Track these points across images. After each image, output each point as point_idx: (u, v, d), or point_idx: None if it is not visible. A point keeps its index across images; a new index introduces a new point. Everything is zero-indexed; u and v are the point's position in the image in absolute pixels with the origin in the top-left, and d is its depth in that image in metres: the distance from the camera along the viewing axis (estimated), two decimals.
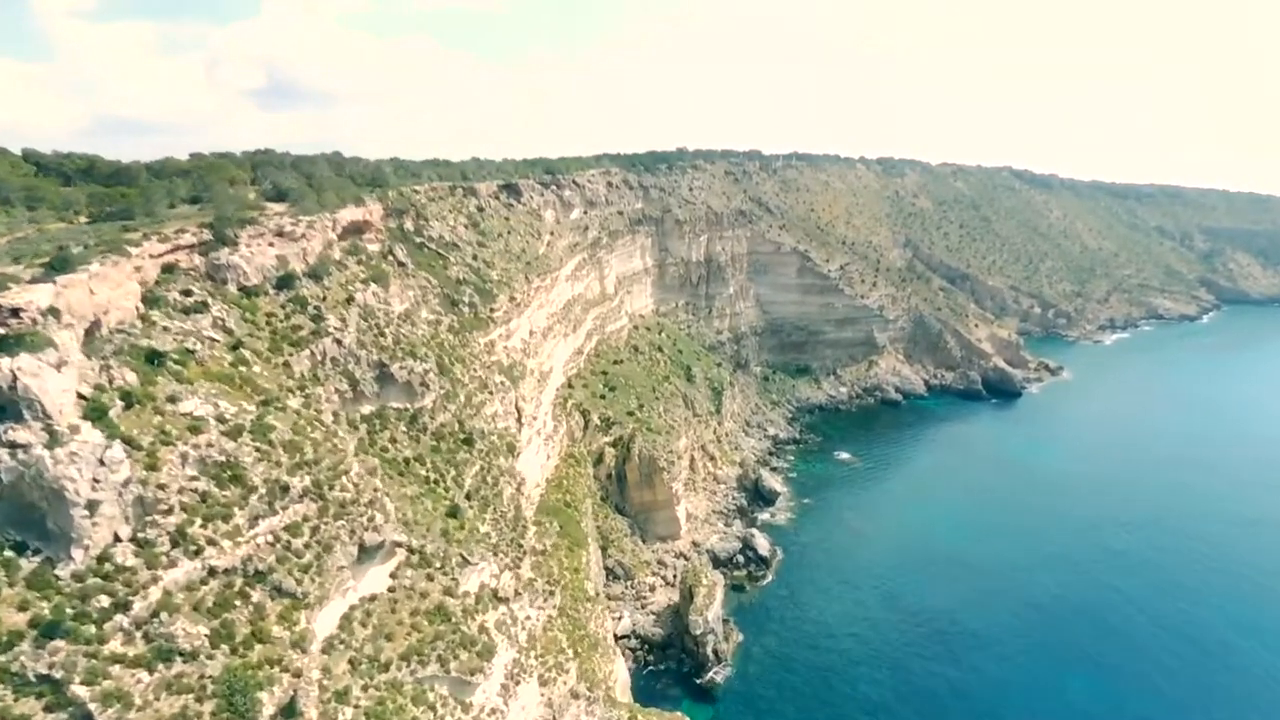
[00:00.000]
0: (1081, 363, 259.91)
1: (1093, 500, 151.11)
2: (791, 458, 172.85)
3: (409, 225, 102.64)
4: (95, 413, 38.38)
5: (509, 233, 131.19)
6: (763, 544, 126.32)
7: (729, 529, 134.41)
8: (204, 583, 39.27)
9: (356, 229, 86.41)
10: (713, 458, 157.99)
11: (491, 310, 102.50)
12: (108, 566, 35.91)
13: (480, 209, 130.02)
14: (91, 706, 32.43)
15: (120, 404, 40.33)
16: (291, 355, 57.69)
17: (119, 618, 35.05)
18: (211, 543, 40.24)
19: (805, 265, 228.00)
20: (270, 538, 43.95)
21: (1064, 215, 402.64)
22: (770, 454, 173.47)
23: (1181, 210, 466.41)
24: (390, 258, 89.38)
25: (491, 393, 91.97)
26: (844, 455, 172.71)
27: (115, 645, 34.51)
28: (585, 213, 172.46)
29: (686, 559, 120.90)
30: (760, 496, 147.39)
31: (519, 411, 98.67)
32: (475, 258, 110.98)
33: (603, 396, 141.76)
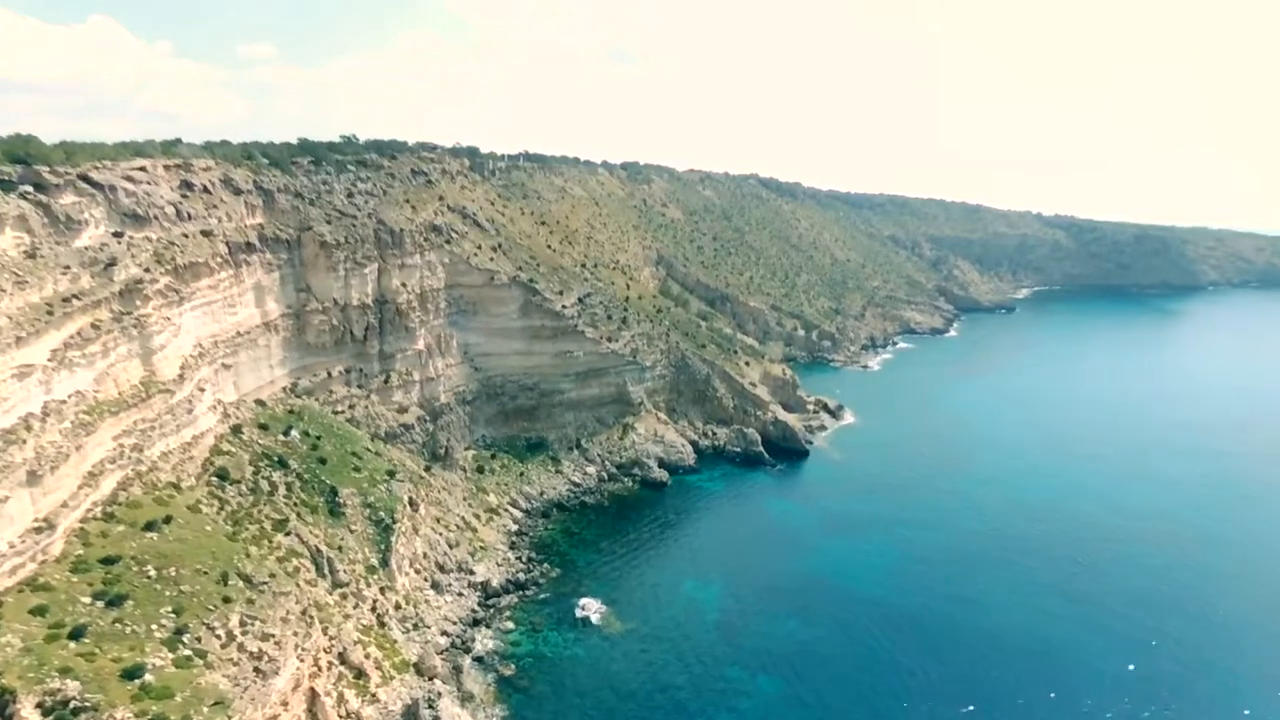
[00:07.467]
0: (857, 396, 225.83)
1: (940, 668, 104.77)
2: (511, 624, 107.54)
3: None
4: None
5: None
6: None
7: None
8: None
9: None
10: (361, 674, 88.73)
11: None
12: None
13: None
14: None
15: None
16: None
17: None
18: None
19: (531, 301, 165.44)
20: None
21: (811, 226, 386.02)
22: (476, 622, 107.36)
23: (910, 220, 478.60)
24: None
25: None
26: (590, 608, 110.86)
27: None
28: (120, 236, 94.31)
29: None
30: None
31: None
32: None
33: (75, 635, 66.31)
